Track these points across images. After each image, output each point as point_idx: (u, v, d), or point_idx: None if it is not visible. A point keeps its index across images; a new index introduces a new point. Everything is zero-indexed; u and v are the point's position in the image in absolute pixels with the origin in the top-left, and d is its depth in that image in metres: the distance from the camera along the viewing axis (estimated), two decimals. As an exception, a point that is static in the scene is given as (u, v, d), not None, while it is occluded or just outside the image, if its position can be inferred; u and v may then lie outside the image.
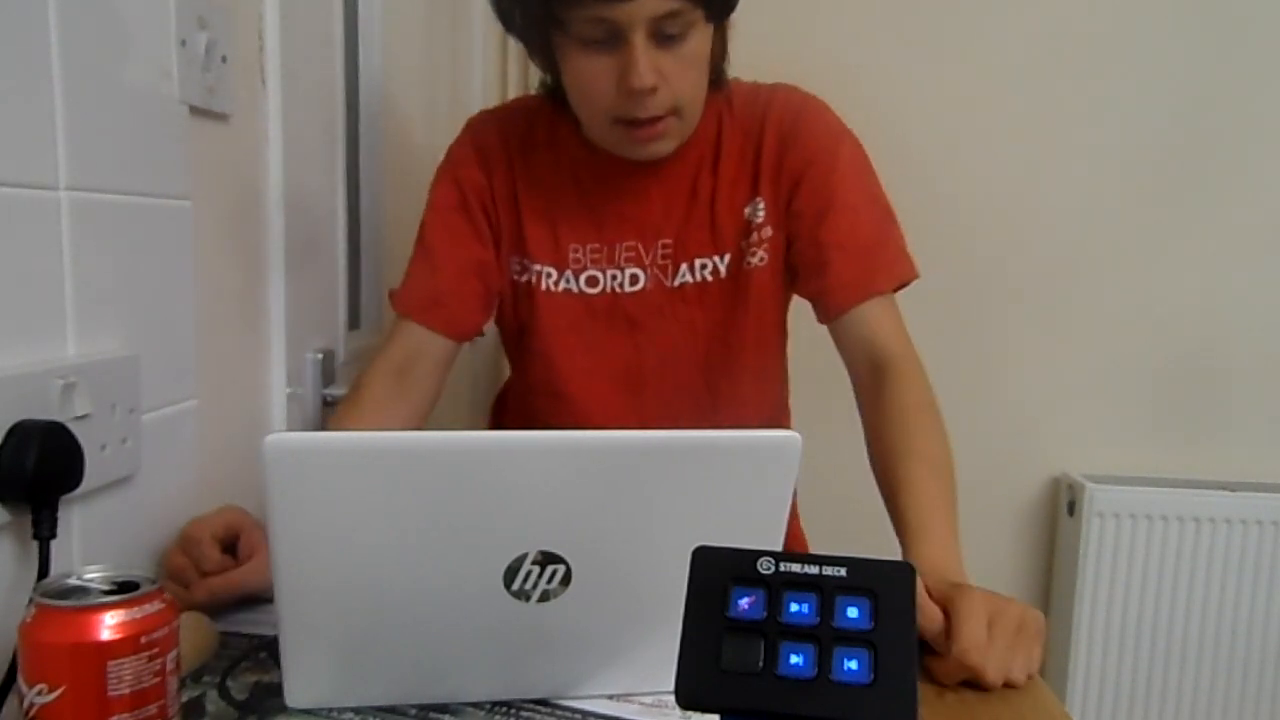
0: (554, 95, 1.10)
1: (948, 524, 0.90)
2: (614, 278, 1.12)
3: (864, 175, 1.11)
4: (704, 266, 1.11)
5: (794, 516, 1.22)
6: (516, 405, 1.24)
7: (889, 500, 0.95)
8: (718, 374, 1.15)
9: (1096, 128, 1.90)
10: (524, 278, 1.13)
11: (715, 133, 1.11)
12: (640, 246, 1.11)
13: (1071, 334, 1.96)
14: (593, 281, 1.12)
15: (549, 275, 1.12)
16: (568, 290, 1.12)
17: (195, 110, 0.91)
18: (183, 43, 0.87)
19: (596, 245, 1.12)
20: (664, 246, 1.11)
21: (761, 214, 1.10)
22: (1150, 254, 1.94)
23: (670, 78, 0.98)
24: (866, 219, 1.09)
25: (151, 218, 0.84)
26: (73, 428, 0.70)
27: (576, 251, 1.12)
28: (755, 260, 1.10)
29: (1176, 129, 1.90)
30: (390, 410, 1.06)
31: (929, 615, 0.75)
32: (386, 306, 1.44)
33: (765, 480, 0.65)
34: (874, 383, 1.04)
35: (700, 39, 0.99)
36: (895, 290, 1.09)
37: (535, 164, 1.13)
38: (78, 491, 0.71)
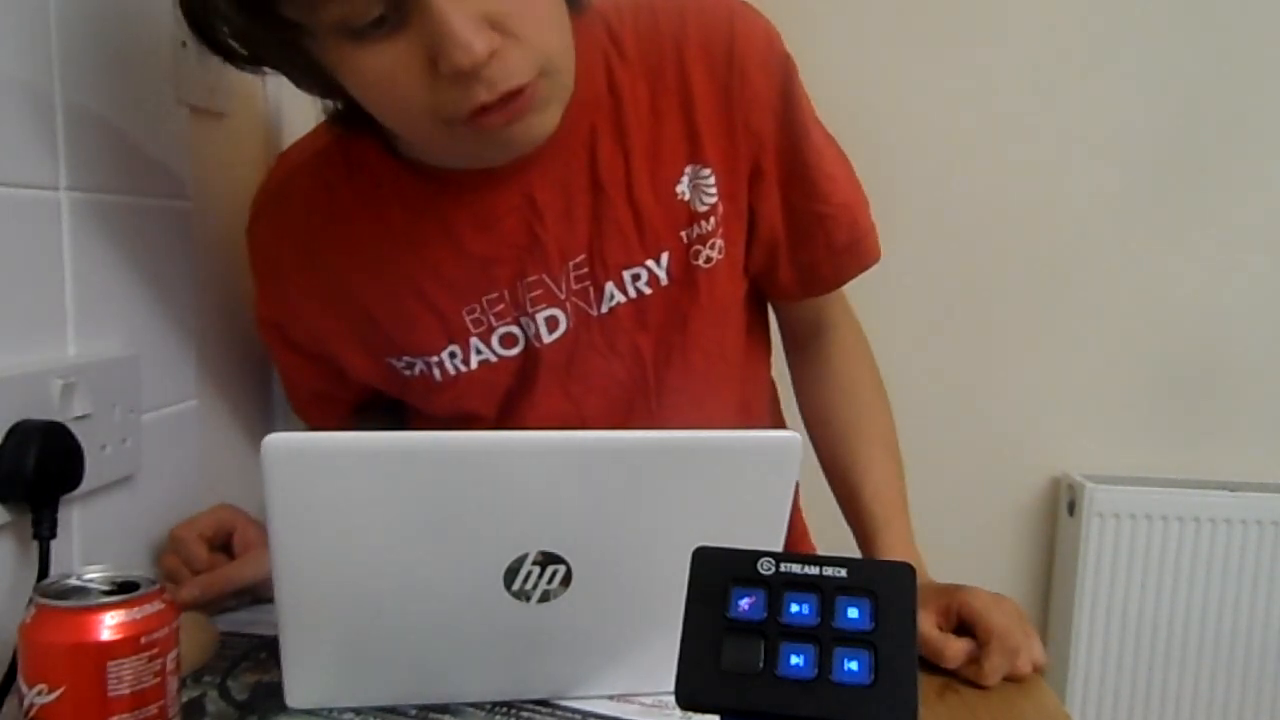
0: (351, 122, 0.77)
1: (905, 514, 0.91)
2: (530, 328, 0.84)
3: (808, 102, 0.86)
4: (636, 278, 0.83)
5: (797, 510, 1.16)
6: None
7: (847, 488, 0.92)
8: (679, 407, 0.88)
9: (1098, 127, 1.90)
10: (414, 370, 0.86)
11: (605, 88, 0.80)
12: (546, 278, 0.82)
13: (1071, 334, 1.96)
14: (509, 341, 0.84)
15: (451, 357, 0.84)
16: (484, 362, 0.85)
17: (195, 110, 0.90)
18: (183, 43, 0.87)
19: (493, 295, 0.82)
20: (576, 268, 0.82)
21: (712, 190, 0.81)
22: (1150, 254, 1.94)
23: (509, 25, 0.65)
24: (839, 171, 0.88)
25: (151, 218, 0.84)
26: (73, 428, 0.70)
27: (474, 312, 0.83)
28: (709, 256, 0.83)
29: (1177, 129, 1.90)
30: None
31: (954, 651, 0.76)
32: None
33: (765, 480, 0.65)
34: (815, 349, 0.94)
35: None
36: (878, 257, 0.91)
37: (361, 231, 0.82)
38: (78, 491, 0.71)
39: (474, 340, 0.84)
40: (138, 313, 0.82)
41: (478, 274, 0.82)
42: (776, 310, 0.96)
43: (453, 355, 0.84)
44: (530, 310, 0.83)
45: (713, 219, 0.82)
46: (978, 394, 1.96)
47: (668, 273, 0.83)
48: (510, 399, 0.87)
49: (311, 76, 0.72)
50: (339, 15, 0.63)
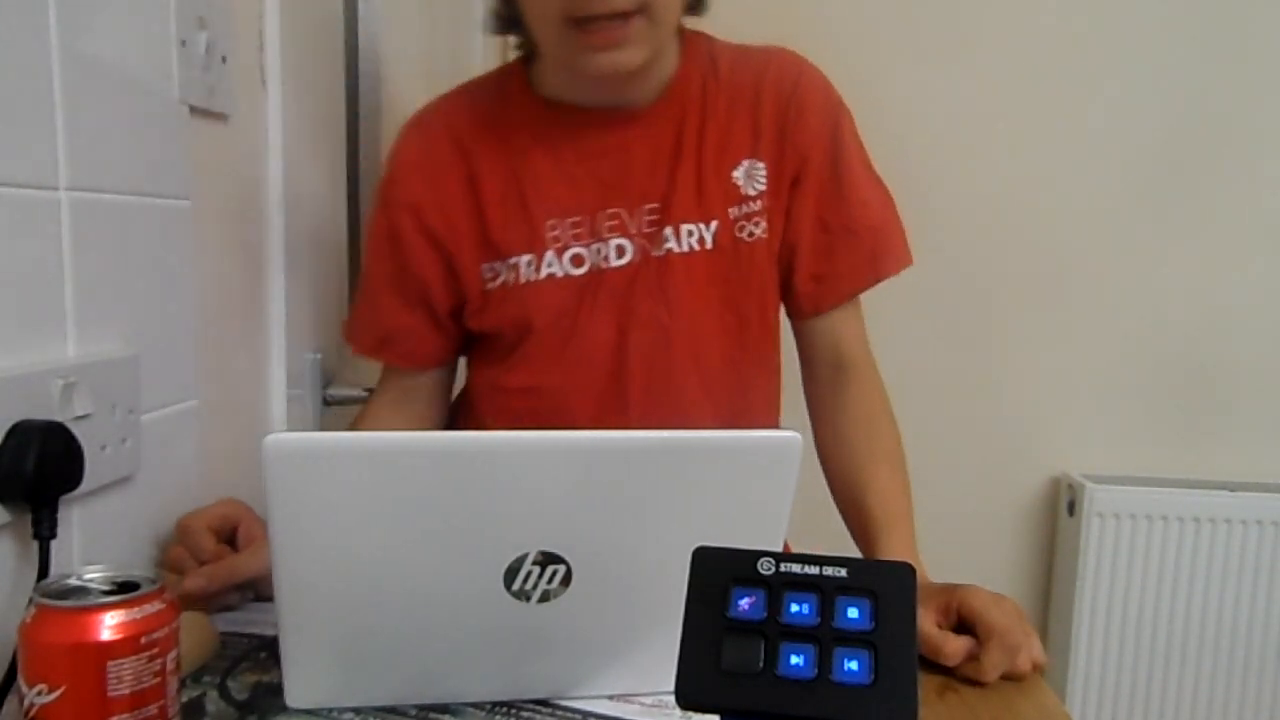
0: (503, 24, 1.01)
1: (910, 521, 0.96)
2: (599, 252, 0.99)
3: (860, 144, 1.05)
4: (690, 234, 0.99)
5: None
6: (486, 405, 1.07)
7: (852, 497, 0.98)
8: (708, 361, 1.02)
9: (1098, 128, 1.90)
10: (497, 281, 1.00)
11: (699, 91, 1.00)
12: (625, 214, 0.99)
13: (1071, 334, 1.96)
14: (578, 260, 0.99)
15: (528, 265, 0.99)
16: (550, 276, 0.99)
17: (195, 110, 0.90)
18: (183, 43, 0.87)
19: (577, 219, 0.99)
20: (649, 212, 0.99)
21: (763, 180, 1.00)
22: (1150, 254, 1.94)
23: None
24: (872, 197, 1.04)
25: (151, 218, 0.84)
26: (73, 428, 0.70)
27: (555, 229, 0.99)
28: (751, 231, 1.00)
29: (1177, 129, 1.90)
30: (394, 426, 1.06)
31: (953, 648, 0.77)
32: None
33: (765, 480, 0.65)
34: (835, 383, 1.04)
35: None
36: (897, 272, 1.05)
37: (493, 141, 1.01)
38: (78, 491, 0.71)
39: (548, 254, 0.99)
40: (138, 313, 0.82)
41: (568, 195, 0.99)
42: (800, 342, 1.08)
43: (529, 264, 0.99)
44: (605, 237, 0.99)
45: (759, 202, 1.00)
46: (978, 394, 1.96)
47: (715, 239, 0.99)
48: (565, 317, 1.00)
49: None
50: None
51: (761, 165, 1.00)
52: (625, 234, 0.99)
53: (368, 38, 1.39)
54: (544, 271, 0.99)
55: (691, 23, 1.02)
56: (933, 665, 0.76)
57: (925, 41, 1.89)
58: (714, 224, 0.99)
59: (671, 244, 0.99)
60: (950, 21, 1.89)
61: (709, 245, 0.99)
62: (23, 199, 0.70)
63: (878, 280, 1.04)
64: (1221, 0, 1.87)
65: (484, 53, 1.84)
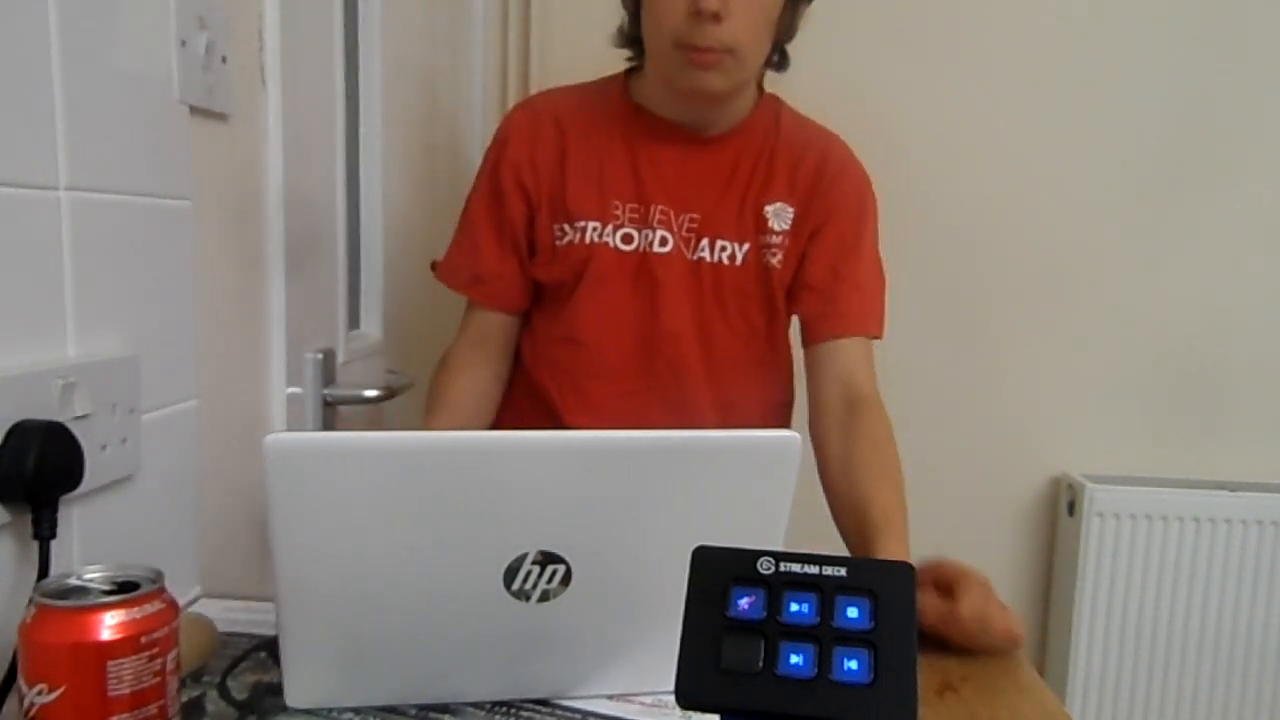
0: (625, 40, 1.20)
1: (906, 527, 1.03)
2: (646, 237, 1.17)
3: (877, 239, 1.23)
4: (723, 249, 1.18)
5: None
6: (532, 351, 1.25)
7: (855, 510, 1.06)
8: (721, 361, 1.20)
9: (1097, 129, 1.90)
10: (564, 240, 1.18)
11: (760, 138, 1.19)
12: (671, 213, 1.18)
13: (1071, 334, 1.96)
14: (628, 239, 1.18)
15: (593, 230, 1.17)
16: (606, 244, 1.17)
17: (195, 110, 0.90)
18: (183, 43, 0.87)
19: (635, 205, 1.18)
20: (691, 220, 1.18)
21: (788, 221, 1.18)
22: (1150, 254, 1.94)
23: (735, 13, 1.05)
24: (875, 274, 1.23)
25: (151, 218, 0.84)
26: (73, 428, 0.70)
27: (618, 208, 1.18)
28: (772, 262, 1.18)
29: (1176, 130, 1.90)
30: (473, 373, 1.22)
31: (925, 603, 0.83)
32: (388, 306, 1.45)
33: (765, 480, 0.65)
34: (848, 416, 1.15)
35: None
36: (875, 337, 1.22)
37: (586, 126, 1.20)
38: (78, 491, 0.71)
39: (609, 226, 1.18)
40: (138, 313, 0.82)
41: (633, 185, 1.19)
42: (812, 376, 1.20)
43: (594, 229, 1.18)
44: (653, 225, 1.18)
45: (782, 237, 1.19)
46: (978, 394, 1.96)
47: (744, 258, 1.18)
48: (610, 282, 1.18)
49: (632, 4, 1.17)
50: None
51: (790, 210, 1.19)
52: (669, 229, 1.18)
53: (368, 37, 1.39)
54: (603, 238, 1.18)
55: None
56: (932, 665, 0.76)
57: (925, 42, 1.89)
58: (745, 246, 1.18)
59: (705, 253, 1.18)
60: (951, 21, 1.89)
61: (739, 262, 1.18)
62: (23, 199, 0.70)
63: (864, 332, 1.20)
64: (1221, 0, 1.87)
65: (483, 52, 1.84)
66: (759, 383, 1.23)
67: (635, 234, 1.18)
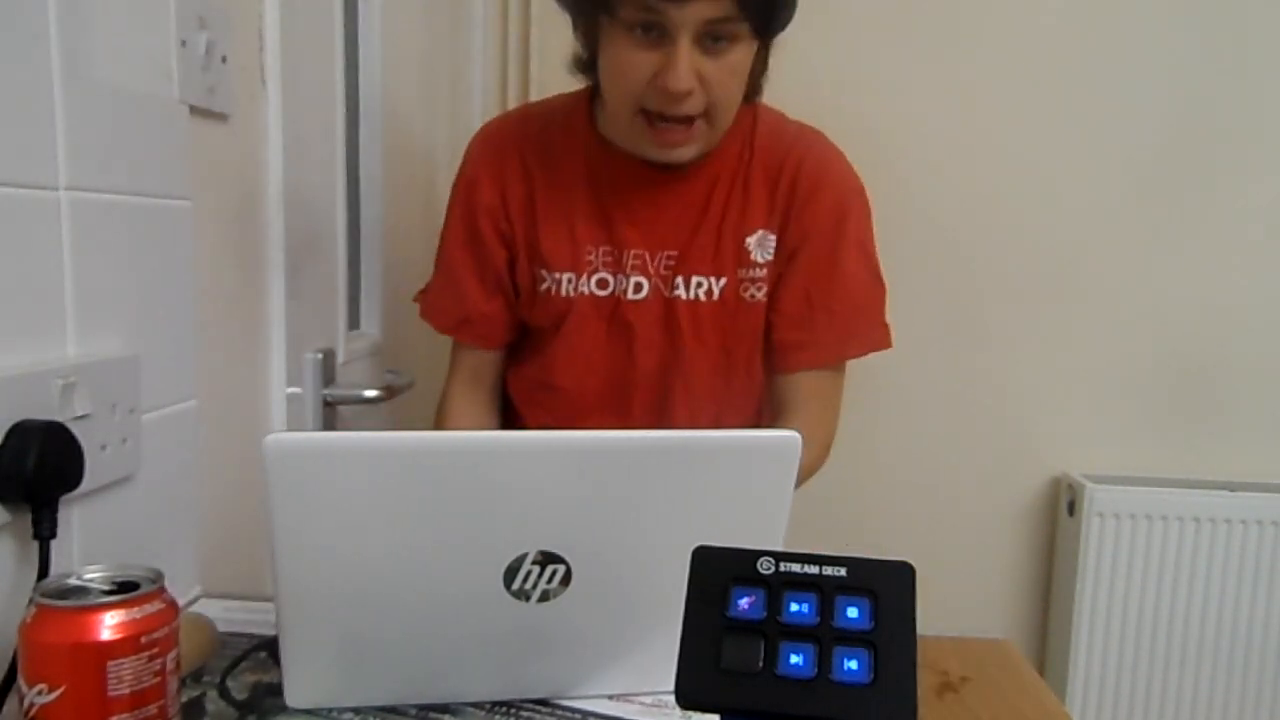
0: (583, 70, 1.12)
1: None
2: (620, 283, 1.14)
3: (866, 238, 1.16)
4: (699, 285, 1.13)
5: None
6: (515, 388, 1.24)
7: None
8: (701, 395, 1.16)
9: (1097, 128, 1.90)
10: (544, 286, 1.16)
11: (735, 160, 1.13)
12: (647, 255, 1.13)
13: (1071, 334, 1.96)
14: (603, 284, 1.14)
15: (568, 281, 1.14)
16: (581, 293, 1.14)
17: (195, 110, 0.90)
18: (183, 43, 0.87)
19: (608, 248, 1.14)
20: (668, 257, 1.13)
21: (771, 250, 1.12)
22: (1150, 254, 1.94)
23: (708, 82, 1.00)
24: (859, 285, 1.15)
25: (151, 218, 0.84)
26: (73, 428, 0.70)
27: (590, 254, 1.14)
28: (753, 294, 1.13)
29: (1176, 129, 1.90)
30: (474, 412, 1.22)
31: None
32: (388, 306, 1.45)
33: (765, 480, 0.65)
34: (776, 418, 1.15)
35: (744, 51, 1.02)
36: (863, 354, 1.17)
37: (552, 166, 1.15)
38: (78, 491, 0.71)
39: (583, 276, 1.14)
40: (138, 313, 0.82)
41: (604, 229, 1.14)
42: (771, 393, 1.17)
43: (569, 280, 1.14)
44: (628, 272, 1.13)
45: (764, 270, 1.13)
46: (978, 394, 1.96)
47: (721, 293, 1.13)
48: (588, 332, 1.15)
49: (587, 35, 1.07)
50: (632, 14, 0.97)
51: (773, 238, 1.12)
52: (644, 273, 1.14)
53: (368, 37, 1.39)
54: (578, 289, 1.14)
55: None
56: (932, 665, 0.76)
57: (925, 41, 1.89)
58: (723, 280, 1.12)
59: (681, 291, 1.13)
60: (951, 21, 1.89)
61: (715, 297, 1.13)
62: (23, 199, 0.70)
63: (843, 358, 1.16)
64: (1221, 0, 1.87)
65: (483, 52, 1.84)
66: (742, 411, 1.20)
67: (610, 278, 1.14)
